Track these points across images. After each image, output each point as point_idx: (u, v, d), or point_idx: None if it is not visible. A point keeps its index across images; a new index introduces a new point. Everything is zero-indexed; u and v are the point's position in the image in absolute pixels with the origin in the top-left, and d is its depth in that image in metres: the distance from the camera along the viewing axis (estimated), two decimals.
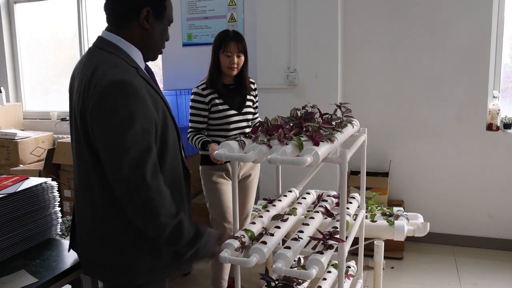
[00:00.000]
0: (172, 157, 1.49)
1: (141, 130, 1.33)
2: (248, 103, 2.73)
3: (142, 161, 1.32)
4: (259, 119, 2.84)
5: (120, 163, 1.31)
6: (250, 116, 2.74)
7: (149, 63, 1.59)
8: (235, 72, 2.63)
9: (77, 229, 1.56)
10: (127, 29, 1.45)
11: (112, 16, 1.48)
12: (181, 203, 1.54)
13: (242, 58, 2.64)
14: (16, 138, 4.31)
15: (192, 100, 2.65)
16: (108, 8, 1.48)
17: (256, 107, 2.83)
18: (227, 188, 2.70)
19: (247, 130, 2.71)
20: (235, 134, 2.60)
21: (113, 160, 1.33)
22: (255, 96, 2.80)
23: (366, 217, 2.50)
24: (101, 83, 1.33)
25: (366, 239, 2.41)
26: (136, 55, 1.48)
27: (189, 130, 2.67)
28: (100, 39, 1.48)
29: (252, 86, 2.77)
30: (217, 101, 2.62)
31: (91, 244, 1.50)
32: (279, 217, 1.78)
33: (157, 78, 1.74)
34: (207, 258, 1.58)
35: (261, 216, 1.76)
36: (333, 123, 1.79)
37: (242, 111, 2.68)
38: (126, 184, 1.32)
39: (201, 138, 2.59)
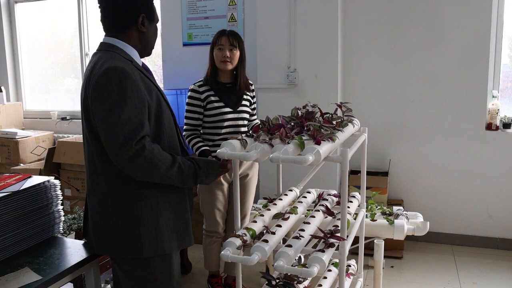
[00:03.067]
0: (168, 136, 1.68)
1: (134, 109, 1.51)
2: (245, 102, 2.72)
3: (136, 134, 1.50)
4: (257, 120, 2.84)
5: (117, 138, 1.49)
6: (246, 115, 2.72)
7: (149, 63, 1.64)
8: (228, 66, 2.61)
9: (89, 214, 1.71)
10: (126, 34, 1.65)
11: (110, 25, 1.66)
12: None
13: (236, 53, 2.62)
14: (16, 137, 4.33)
15: (189, 97, 2.66)
16: (106, 18, 1.66)
17: (254, 109, 2.83)
18: (221, 191, 2.71)
19: (243, 129, 2.71)
20: (228, 132, 2.63)
21: (111, 136, 1.50)
22: (252, 97, 2.79)
23: (366, 216, 2.51)
24: (98, 72, 1.53)
25: (366, 238, 2.42)
26: (132, 52, 1.67)
27: (185, 127, 2.68)
28: (101, 43, 1.69)
29: (250, 87, 2.77)
30: (212, 98, 2.62)
31: (101, 224, 1.66)
32: (280, 216, 1.80)
33: (157, 78, 1.81)
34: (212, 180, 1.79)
35: (262, 215, 1.78)
36: (334, 122, 1.80)
37: (238, 109, 2.67)
38: (125, 156, 1.49)
39: (199, 146, 2.59)
